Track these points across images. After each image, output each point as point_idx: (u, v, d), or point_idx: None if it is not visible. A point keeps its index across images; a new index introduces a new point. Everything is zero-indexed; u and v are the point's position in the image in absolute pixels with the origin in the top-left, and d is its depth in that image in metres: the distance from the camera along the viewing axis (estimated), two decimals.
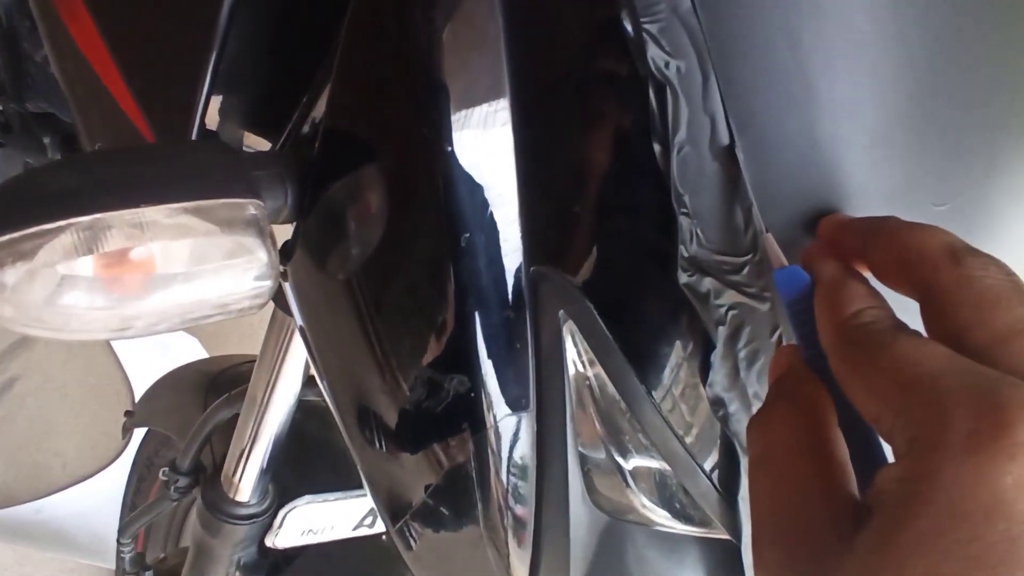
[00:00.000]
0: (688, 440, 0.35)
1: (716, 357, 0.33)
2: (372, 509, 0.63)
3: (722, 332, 0.33)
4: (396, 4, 0.34)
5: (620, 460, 0.37)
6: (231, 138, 0.50)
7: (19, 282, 0.32)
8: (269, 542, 0.59)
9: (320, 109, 0.40)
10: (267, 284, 0.37)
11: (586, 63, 0.32)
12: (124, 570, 0.98)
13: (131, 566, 0.93)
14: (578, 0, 0.32)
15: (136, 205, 0.33)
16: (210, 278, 0.35)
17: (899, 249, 0.27)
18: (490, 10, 0.32)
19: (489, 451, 0.36)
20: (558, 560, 0.38)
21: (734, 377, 0.34)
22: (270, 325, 0.64)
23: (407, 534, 0.43)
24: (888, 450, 0.26)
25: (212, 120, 0.47)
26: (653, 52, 0.30)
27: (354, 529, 0.60)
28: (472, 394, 0.35)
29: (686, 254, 0.32)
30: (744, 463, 0.35)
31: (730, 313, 0.33)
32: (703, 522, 0.38)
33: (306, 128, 0.43)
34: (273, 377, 0.65)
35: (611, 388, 0.35)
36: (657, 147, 0.31)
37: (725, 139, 0.31)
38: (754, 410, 0.35)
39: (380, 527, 0.64)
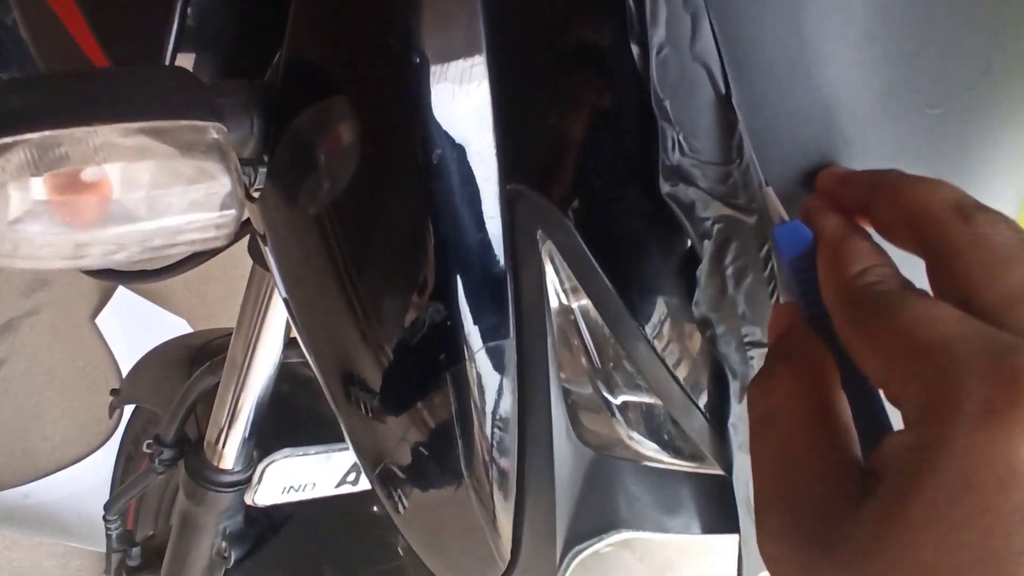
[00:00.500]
0: (674, 366, 0.34)
1: (702, 273, 0.31)
2: (355, 464, 0.61)
3: (708, 247, 0.31)
4: None
5: (607, 393, 0.35)
6: None
7: None
8: (249, 499, 0.57)
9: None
10: (232, 213, 0.35)
11: None
12: (113, 548, 0.97)
13: (118, 543, 0.91)
14: None
15: (89, 123, 0.31)
16: (170, 205, 0.33)
17: (904, 204, 0.26)
18: None
19: (469, 384, 0.35)
20: (543, 500, 0.37)
21: (722, 295, 0.32)
22: (248, 285, 0.62)
23: (395, 497, 0.41)
24: (894, 415, 0.25)
25: None
26: None
27: (337, 486, 0.59)
28: (449, 323, 0.34)
29: (668, 163, 0.30)
30: (733, 387, 0.33)
31: (716, 227, 0.31)
32: (693, 455, 0.36)
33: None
34: (253, 339, 0.63)
35: (594, 313, 0.34)
36: (636, 49, 0.29)
37: (708, 42, 0.30)
38: (744, 332, 0.33)
39: (364, 484, 0.63)
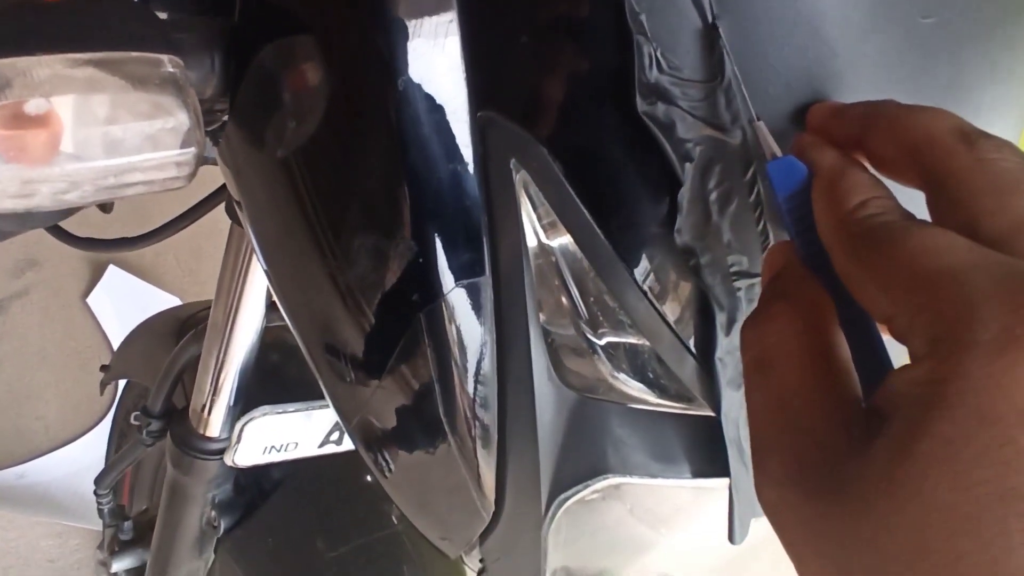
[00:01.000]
0: (658, 300, 0.32)
1: (684, 199, 0.30)
2: (337, 423, 0.60)
3: (689, 170, 0.30)
4: None
5: (590, 334, 0.34)
6: None
7: None
8: (229, 460, 0.56)
9: None
10: (192, 151, 0.33)
11: None
12: (106, 524, 0.96)
13: (110, 518, 0.90)
14: None
15: (33, 52, 0.29)
16: (125, 141, 0.32)
17: (903, 135, 0.25)
18: None
19: (444, 325, 0.33)
20: (525, 446, 0.36)
21: (705, 222, 0.31)
22: (227, 248, 0.61)
23: (379, 459, 0.40)
24: (896, 355, 0.24)
25: None
26: None
27: (320, 446, 0.58)
28: (420, 260, 0.32)
29: (645, 80, 0.29)
30: (720, 320, 0.32)
31: (698, 148, 0.30)
32: (680, 395, 0.35)
33: None
34: (233, 303, 0.61)
35: (574, 248, 0.32)
36: None
37: None
38: (730, 261, 0.32)
39: (348, 444, 0.61)
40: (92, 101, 0.31)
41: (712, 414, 0.35)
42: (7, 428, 1.35)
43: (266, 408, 0.53)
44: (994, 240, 0.22)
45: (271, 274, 0.40)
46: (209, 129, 0.41)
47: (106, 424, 1.38)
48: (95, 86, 0.31)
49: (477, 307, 0.33)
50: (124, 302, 1.48)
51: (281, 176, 0.36)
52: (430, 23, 0.30)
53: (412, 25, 0.30)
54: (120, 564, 0.85)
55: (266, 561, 0.71)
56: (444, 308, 0.33)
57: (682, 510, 0.41)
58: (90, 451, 1.35)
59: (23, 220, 0.63)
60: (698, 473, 0.38)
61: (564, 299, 0.34)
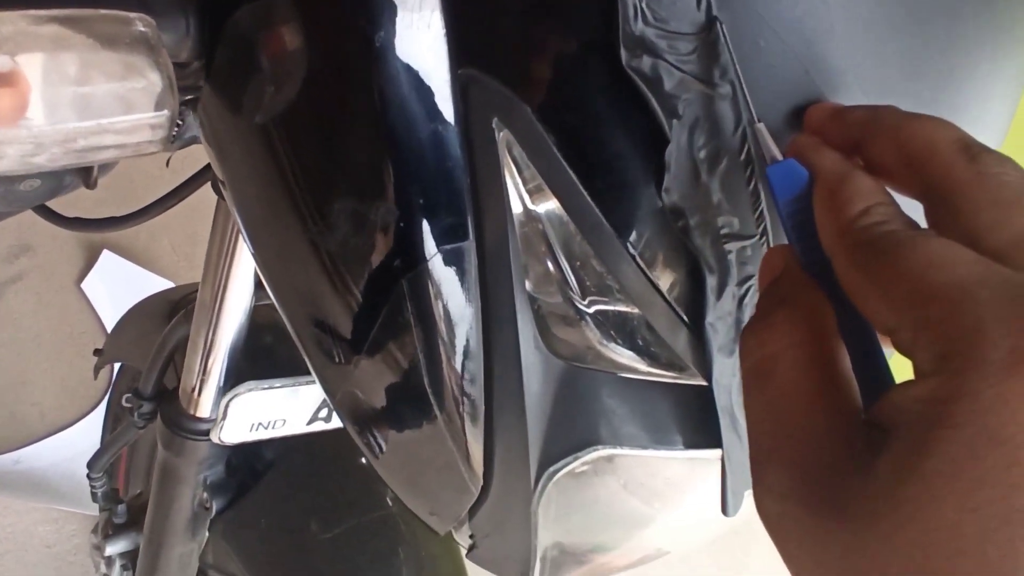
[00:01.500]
0: (647, 265, 0.31)
1: (671, 156, 0.29)
2: (325, 400, 0.59)
3: (676, 126, 0.29)
4: None
5: (578, 301, 0.33)
6: None
7: None
8: (215, 437, 0.55)
9: None
10: (165, 114, 0.32)
11: None
12: (102, 506, 0.95)
13: (104, 501, 0.90)
14: None
15: None
16: (96, 102, 0.31)
17: (904, 143, 0.25)
18: None
19: (428, 292, 0.32)
20: (513, 416, 0.35)
21: (694, 181, 0.30)
22: (213, 224, 0.60)
23: (368, 436, 0.39)
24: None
25: None
26: None
27: (309, 423, 0.57)
28: (402, 224, 0.31)
29: (629, 31, 0.27)
30: (710, 284, 0.31)
31: (685, 104, 0.29)
32: (671, 363, 0.34)
33: None
34: (221, 281, 0.60)
35: (560, 211, 0.31)
36: None
37: None
38: (720, 222, 0.31)
39: (336, 421, 0.61)
40: (60, 60, 0.30)
41: (704, 383, 0.34)
42: (2, 414, 1.35)
43: (251, 384, 0.52)
44: (995, 254, 0.21)
45: (252, 245, 0.39)
46: (189, 98, 0.40)
47: (102, 409, 1.38)
48: (62, 44, 0.30)
49: (461, 273, 0.32)
50: (118, 287, 1.47)
51: (260, 142, 0.35)
52: None
53: None
54: (114, 547, 0.84)
55: (259, 542, 0.70)
56: (427, 274, 0.32)
57: (675, 484, 0.40)
58: (86, 436, 1.35)
59: (8, 200, 0.62)
60: (690, 444, 0.37)
61: (551, 265, 0.33)
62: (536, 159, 0.30)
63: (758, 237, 0.31)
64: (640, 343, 0.33)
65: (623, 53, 0.27)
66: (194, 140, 0.66)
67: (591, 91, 0.29)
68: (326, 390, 0.39)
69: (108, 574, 0.92)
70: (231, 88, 0.36)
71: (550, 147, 0.30)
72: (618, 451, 0.36)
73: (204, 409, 0.66)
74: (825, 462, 0.21)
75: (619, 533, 0.43)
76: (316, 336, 0.38)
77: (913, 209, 0.25)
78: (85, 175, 0.58)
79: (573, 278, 0.32)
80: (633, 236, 0.31)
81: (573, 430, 0.36)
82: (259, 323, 0.65)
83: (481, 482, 0.37)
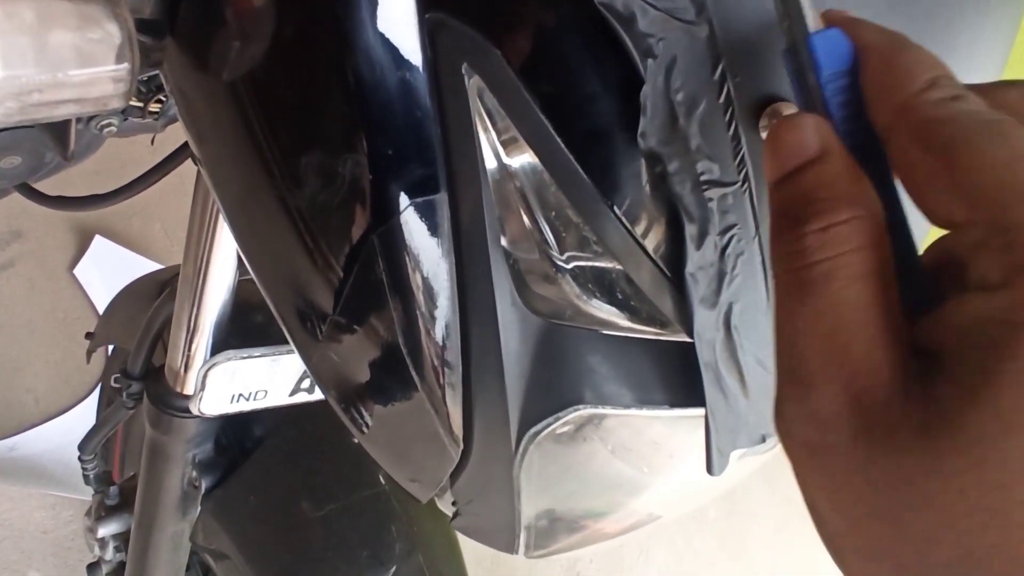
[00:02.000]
0: (624, 213, 0.30)
1: (647, 98, 0.28)
2: (307, 371, 0.58)
3: (652, 66, 0.28)
4: None
5: (555, 255, 0.32)
6: None
7: None
8: (195, 408, 0.54)
9: None
10: (125, 67, 0.31)
11: None
12: (93, 489, 0.95)
13: (96, 483, 0.89)
14: None
15: None
16: (51, 54, 0.30)
17: None
18: None
19: (400, 247, 0.31)
20: (490, 375, 0.34)
21: (672, 125, 0.28)
22: (194, 197, 0.59)
23: (349, 406, 0.38)
24: None
25: None
26: None
27: (291, 395, 0.56)
28: (371, 177, 0.30)
29: None
30: (690, 232, 0.30)
31: (660, 43, 0.27)
32: (652, 317, 0.33)
33: None
34: (204, 254, 0.59)
35: (534, 160, 0.30)
36: None
37: None
38: (699, 169, 0.29)
39: (319, 393, 0.60)
40: (14, 8, 0.29)
41: (688, 339, 0.33)
42: None
43: (230, 352, 0.52)
44: None
45: (224, 207, 0.38)
46: (159, 58, 0.38)
47: (96, 395, 1.37)
48: None
49: (434, 228, 0.31)
50: (111, 272, 1.46)
51: (226, 98, 0.34)
52: None
53: None
54: (106, 529, 0.84)
55: (249, 521, 0.70)
56: (398, 229, 0.31)
57: (662, 445, 0.39)
58: (81, 422, 1.34)
59: None
60: (675, 403, 0.36)
61: (526, 218, 0.32)
62: (508, 105, 0.29)
63: (740, 184, 0.30)
64: (620, 298, 0.32)
65: None
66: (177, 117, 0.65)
67: (563, 31, 0.28)
68: (302, 355, 0.38)
69: (102, 556, 0.91)
70: (196, 44, 0.35)
71: (522, 92, 0.29)
72: (600, 410, 0.35)
73: (190, 386, 0.65)
74: (880, 386, 0.19)
75: (606, 498, 0.42)
76: (290, 301, 0.37)
77: None
78: (62, 147, 0.57)
79: (549, 231, 0.31)
80: (610, 185, 0.30)
81: (553, 390, 0.35)
82: (244, 299, 0.64)
83: (461, 445, 0.36)
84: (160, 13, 0.35)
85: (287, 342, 0.42)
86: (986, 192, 0.18)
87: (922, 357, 0.19)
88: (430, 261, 0.32)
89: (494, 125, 0.30)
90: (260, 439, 0.70)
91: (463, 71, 0.29)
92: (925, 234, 0.24)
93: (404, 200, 0.31)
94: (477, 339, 0.33)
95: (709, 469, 0.35)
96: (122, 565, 0.90)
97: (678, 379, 0.35)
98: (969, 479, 0.17)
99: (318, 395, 0.59)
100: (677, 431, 0.38)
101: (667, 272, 0.31)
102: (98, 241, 1.48)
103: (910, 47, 0.22)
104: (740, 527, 1.73)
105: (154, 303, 0.88)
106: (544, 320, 0.33)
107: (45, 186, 0.78)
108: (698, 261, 0.30)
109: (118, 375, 0.77)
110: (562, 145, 0.29)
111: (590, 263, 0.32)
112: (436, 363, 0.34)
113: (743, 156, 0.29)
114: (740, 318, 0.32)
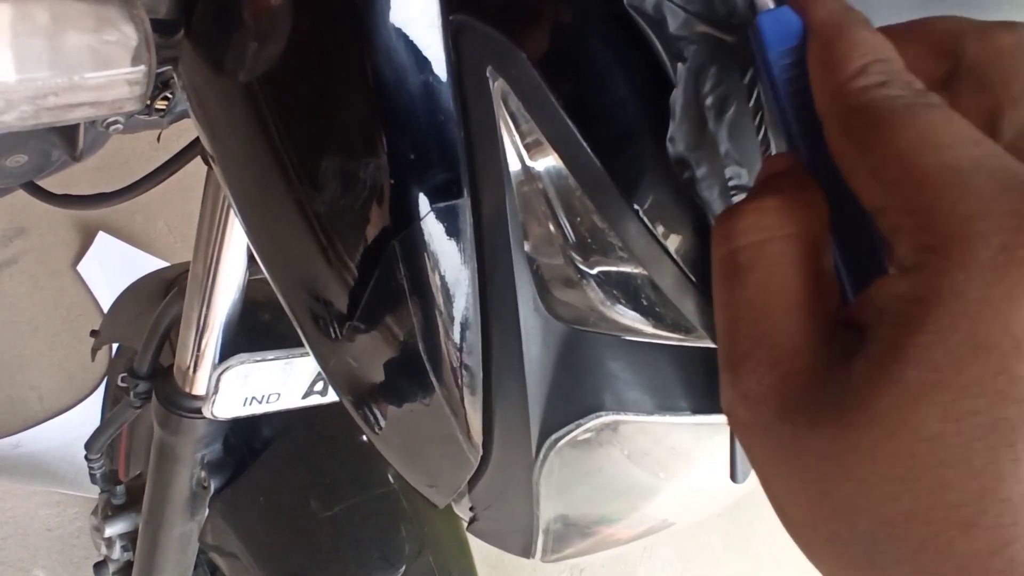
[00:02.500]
0: (652, 222, 0.30)
1: (676, 103, 0.27)
2: (320, 373, 0.58)
3: (682, 70, 0.27)
4: None
5: (580, 262, 0.31)
6: None
7: None
8: (207, 412, 0.54)
9: None
10: (142, 69, 0.31)
11: None
12: (102, 488, 0.95)
13: (102, 482, 0.89)
14: None
15: None
16: (68, 56, 0.29)
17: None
18: None
19: (421, 253, 0.31)
20: (512, 382, 0.33)
21: (701, 130, 0.28)
22: (204, 195, 0.58)
23: (365, 411, 0.38)
24: None
25: None
26: None
27: (304, 398, 0.56)
28: (393, 182, 0.30)
29: None
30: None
31: (691, 46, 0.27)
32: (676, 324, 0.33)
33: None
34: (213, 253, 0.59)
35: (559, 165, 0.30)
36: None
37: None
38: (728, 174, 0.29)
39: (332, 395, 0.59)
40: (29, 10, 0.28)
41: (712, 345, 0.33)
42: (0, 399, 1.34)
43: (243, 356, 0.51)
44: (1014, 133, 0.20)
45: (239, 210, 0.37)
46: (169, 56, 0.38)
47: (101, 391, 1.37)
48: None
49: (456, 233, 0.31)
50: (115, 269, 1.46)
51: (243, 101, 0.33)
52: None
53: None
54: (113, 528, 0.84)
55: (258, 521, 0.69)
56: (419, 234, 0.31)
57: (681, 451, 0.39)
58: (85, 419, 1.34)
59: None
60: (698, 409, 0.35)
61: (550, 223, 0.31)
62: (533, 109, 0.29)
63: None
64: (645, 304, 0.32)
65: None
66: (185, 115, 0.64)
67: (590, 34, 0.28)
68: (319, 360, 0.38)
69: (108, 555, 0.91)
70: (212, 45, 0.35)
71: (547, 96, 0.28)
72: (622, 417, 0.35)
73: (200, 387, 0.64)
74: (801, 365, 0.20)
75: (624, 504, 0.42)
76: (307, 304, 0.37)
77: None
78: (70, 147, 0.56)
79: (574, 236, 0.31)
80: (636, 189, 0.29)
81: (575, 396, 0.34)
82: (254, 298, 0.63)
83: (480, 452, 0.36)
84: (175, 13, 0.34)
85: (297, 342, 0.42)
86: (896, 177, 0.19)
87: (851, 334, 0.19)
88: (452, 266, 0.31)
89: (518, 128, 0.30)
90: (269, 439, 0.70)
91: (488, 74, 0.29)
92: None
93: (426, 205, 0.30)
94: (499, 345, 0.33)
95: (733, 476, 0.35)
96: (129, 564, 0.89)
97: (701, 385, 0.35)
98: (881, 451, 0.18)
99: (331, 398, 0.59)
100: (698, 438, 0.38)
101: (692, 277, 0.30)
102: (101, 237, 1.47)
103: (852, 28, 0.22)
104: (744, 523, 1.73)
105: (159, 301, 0.88)
106: (567, 326, 0.33)
107: (48, 183, 0.77)
108: None
109: (125, 374, 0.76)
110: (588, 148, 0.29)
111: (614, 268, 0.31)
112: (456, 369, 0.33)
113: None
114: None
